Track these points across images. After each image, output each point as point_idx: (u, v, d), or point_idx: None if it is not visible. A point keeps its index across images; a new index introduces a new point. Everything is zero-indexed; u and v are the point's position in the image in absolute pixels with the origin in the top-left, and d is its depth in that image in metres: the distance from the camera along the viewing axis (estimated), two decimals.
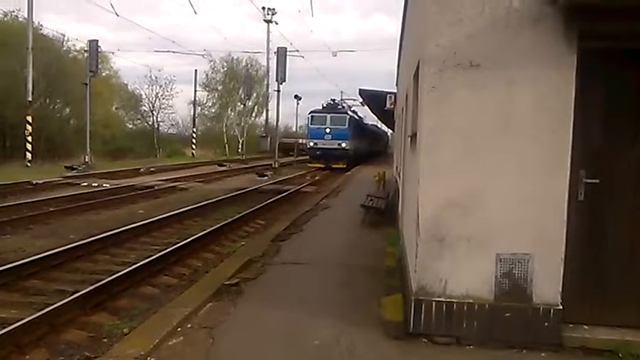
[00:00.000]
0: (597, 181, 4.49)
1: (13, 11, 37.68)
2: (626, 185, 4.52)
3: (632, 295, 4.54)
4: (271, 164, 31.49)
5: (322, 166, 32.20)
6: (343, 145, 32.41)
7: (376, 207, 11.40)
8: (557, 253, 4.39)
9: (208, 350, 4.37)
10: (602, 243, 4.56)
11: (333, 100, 36.84)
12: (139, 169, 26.39)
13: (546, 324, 4.41)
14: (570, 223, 4.41)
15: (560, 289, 4.41)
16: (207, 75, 54.14)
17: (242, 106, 53.67)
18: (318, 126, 33.31)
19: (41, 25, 36.21)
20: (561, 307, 4.41)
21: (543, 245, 4.39)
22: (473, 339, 4.48)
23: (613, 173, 4.51)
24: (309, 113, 34.76)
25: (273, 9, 48.94)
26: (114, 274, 6.81)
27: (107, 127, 44.67)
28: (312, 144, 33.39)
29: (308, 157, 35.15)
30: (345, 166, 31.64)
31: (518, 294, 4.44)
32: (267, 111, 52.73)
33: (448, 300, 4.50)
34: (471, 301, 4.48)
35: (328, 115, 33.42)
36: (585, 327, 4.53)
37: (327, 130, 32.81)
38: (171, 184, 19.89)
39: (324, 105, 35.18)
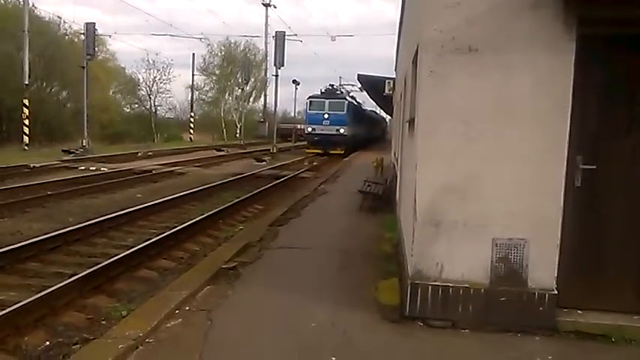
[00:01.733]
0: (594, 167, 4.50)
1: None
2: (622, 171, 4.53)
3: (626, 280, 4.58)
4: (269, 149, 31.41)
5: (320, 151, 32.13)
6: (341, 130, 32.28)
7: (374, 192, 11.41)
8: (553, 238, 4.41)
9: (207, 332, 4.41)
10: (597, 229, 4.58)
11: (332, 85, 36.57)
12: (137, 153, 26.36)
13: (541, 308, 4.46)
14: (566, 209, 4.43)
15: (556, 274, 4.45)
16: (204, 59, 53.85)
17: (240, 90, 53.44)
18: (316, 111, 33.11)
19: (35, 7, 35.86)
20: (556, 292, 4.45)
21: (539, 230, 4.42)
22: (468, 323, 4.52)
23: (610, 159, 4.52)
24: (308, 99, 34.54)
25: None
26: (112, 257, 6.84)
27: (104, 111, 44.46)
28: (310, 129, 33.23)
29: (306, 142, 35.08)
30: (343, 152, 31.56)
31: (514, 279, 4.48)
32: (265, 96, 52.52)
33: (444, 284, 4.54)
34: (467, 285, 4.52)
35: (326, 101, 33.21)
36: (579, 312, 4.58)
37: (326, 116, 32.61)
38: (169, 169, 19.86)
39: (323, 90, 34.89)
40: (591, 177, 4.52)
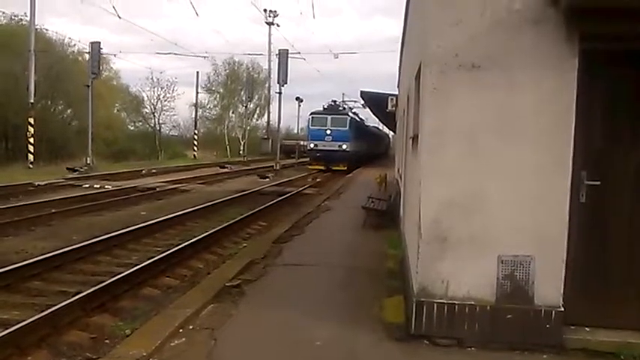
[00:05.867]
0: (598, 182, 4.49)
1: (17, 15, 37.69)
2: (627, 187, 4.51)
3: (634, 296, 4.53)
4: (273, 166, 31.46)
5: (323, 167, 32.06)
6: (344, 146, 32.22)
7: (377, 209, 11.39)
8: (559, 254, 4.38)
9: (210, 351, 4.37)
10: (603, 244, 4.55)
11: (334, 101, 36.60)
12: (141, 170, 26.42)
13: (548, 326, 4.41)
14: (572, 225, 4.40)
15: (562, 291, 4.41)
16: (208, 77, 54.35)
17: (243, 108, 53.72)
18: (318, 127, 33.04)
19: (46, 29, 36.37)
20: (563, 309, 4.41)
21: (545, 247, 4.39)
22: (474, 341, 4.47)
23: (614, 175, 4.51)
24: (310, 114, 34.48)
25: (275, 11, 48.83)
26: (116, 275, 6.82)
27: (109, 128, 44.75)
28: (312, 145, 33.12)
29: (308, 158, 35.04)
30: (345, 168, 31.48)
31: (520, 296, 4.44)
32: (268, 113, 52.67)
33: (450, 301, 4.50)
34: (473, 302, 4.47)
35: (329, 117, 33.18)
36: (587, 329, 4.53)
37: (328, 132, 32.57)
38: (173, 186, 19.89)
39: (325, 106, 34.97)
40: (596, 192, 4.50)
